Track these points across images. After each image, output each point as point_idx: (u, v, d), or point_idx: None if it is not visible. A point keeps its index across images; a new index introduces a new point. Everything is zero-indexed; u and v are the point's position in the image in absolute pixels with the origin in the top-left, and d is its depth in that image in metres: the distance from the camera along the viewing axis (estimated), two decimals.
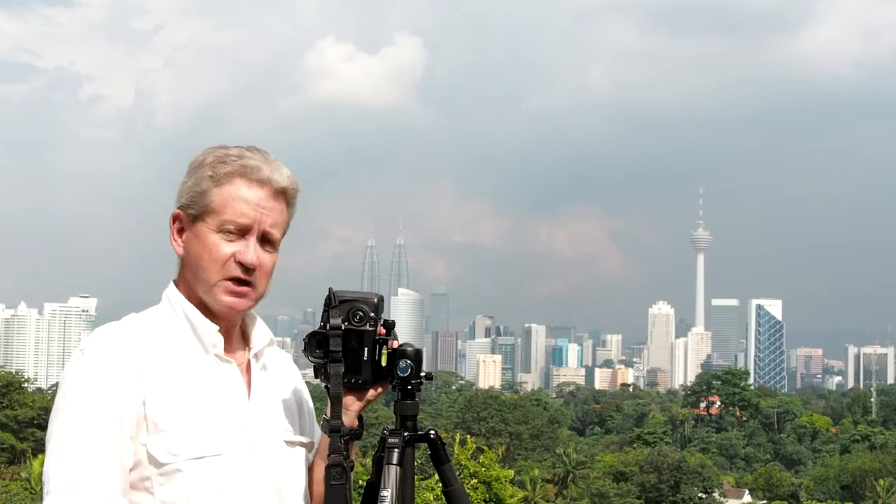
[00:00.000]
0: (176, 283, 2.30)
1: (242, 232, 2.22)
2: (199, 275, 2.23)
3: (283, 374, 2.42)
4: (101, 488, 2.04)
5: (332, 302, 2.26)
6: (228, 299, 2.22)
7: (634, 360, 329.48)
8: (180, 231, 2.26)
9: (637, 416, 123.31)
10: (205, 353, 2.24)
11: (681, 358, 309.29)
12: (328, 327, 2.25)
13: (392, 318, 2.33)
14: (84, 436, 2.06)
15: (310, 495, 2.37)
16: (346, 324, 2.26)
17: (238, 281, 2.22)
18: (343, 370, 2.26)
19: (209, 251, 2.21)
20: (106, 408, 2.09)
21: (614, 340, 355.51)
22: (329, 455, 2.23)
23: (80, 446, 2.06)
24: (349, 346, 2.27)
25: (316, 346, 2.26)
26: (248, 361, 2.33)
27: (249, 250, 2.21)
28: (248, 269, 2.22)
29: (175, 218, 2.26)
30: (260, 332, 2.37)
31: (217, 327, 2.25)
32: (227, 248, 2.21)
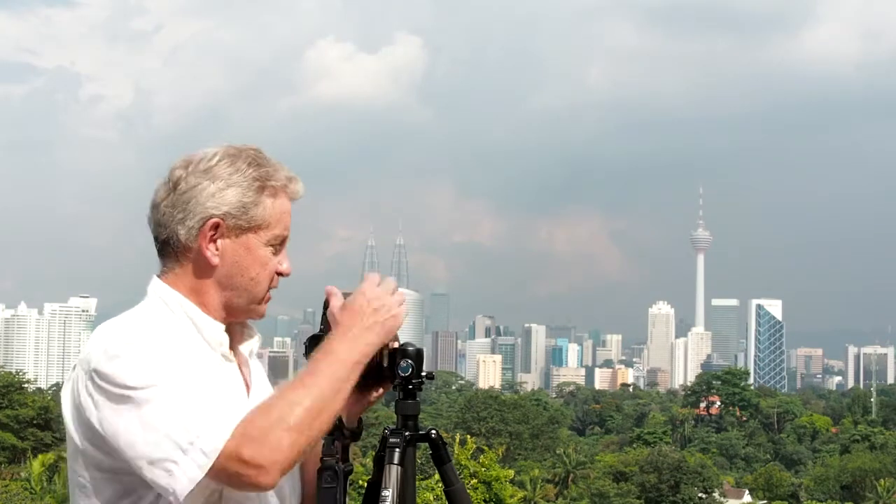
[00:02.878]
0: (169, 282, 2.21)
1: (282, 244, 2.26)
2: (249, 288, 2.20)
3: (261, 369, 2.41)
4: (224, 420, 1.98)
5: None
6: (265, 308, 2.27)
7: (634, 360, 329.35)
8: (213, 239, 2.18)
9: (637, 416, 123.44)
10: (210, 351, 2.21)
11: (681, 358, 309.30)
12: (327, 330, 2.23)
13: None
14: (188, 390, 2.00)
15: (302, 495, 2.35)
16: None
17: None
18: None
19: (263, 265, 2.21)
20: (180, 361, 2.05)
21: (614, 340, 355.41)
22: (321, 458, 2.22)
23: (189, 399, 1.99)
24: None
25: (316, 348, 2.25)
26: (241, 359, 2.32)
27: (286, 261, 2.26)
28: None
29: (215, 226, 2.17)
30: (250, 331, 2.35)
31: (223, 326, 2.23)
32: (273, 261, 2.23)
